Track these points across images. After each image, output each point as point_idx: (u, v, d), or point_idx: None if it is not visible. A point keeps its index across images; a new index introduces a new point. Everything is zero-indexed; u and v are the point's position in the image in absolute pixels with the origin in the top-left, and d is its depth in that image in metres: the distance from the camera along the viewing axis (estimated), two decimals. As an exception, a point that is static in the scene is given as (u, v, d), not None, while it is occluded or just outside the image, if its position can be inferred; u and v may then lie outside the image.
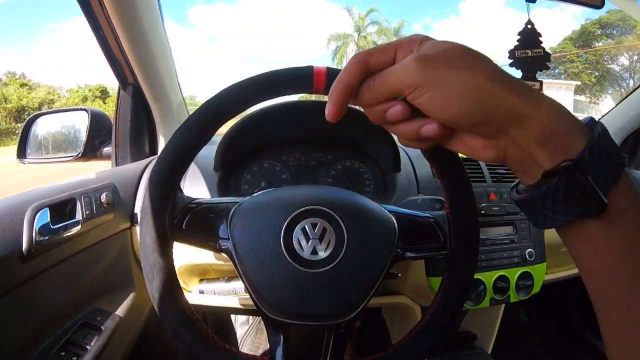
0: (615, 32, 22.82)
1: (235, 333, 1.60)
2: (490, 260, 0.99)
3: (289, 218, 0.53)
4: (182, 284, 1.02)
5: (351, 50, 28.12)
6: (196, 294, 1.04)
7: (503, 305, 1.26)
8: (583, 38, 23.30)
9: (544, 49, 1.10)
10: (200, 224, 0.56)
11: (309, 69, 0.52)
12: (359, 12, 29.62)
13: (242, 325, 1.62)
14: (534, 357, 1.75)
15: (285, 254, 0.51)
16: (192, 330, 0.53)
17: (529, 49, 1.10)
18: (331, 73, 0.53)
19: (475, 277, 0.93)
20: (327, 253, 0.52)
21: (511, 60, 1.13)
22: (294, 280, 0.51)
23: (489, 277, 0.98)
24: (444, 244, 0.59)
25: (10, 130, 27.74)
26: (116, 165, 1.07)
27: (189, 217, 0.55)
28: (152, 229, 0.52)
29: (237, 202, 0.57)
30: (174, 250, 0.91)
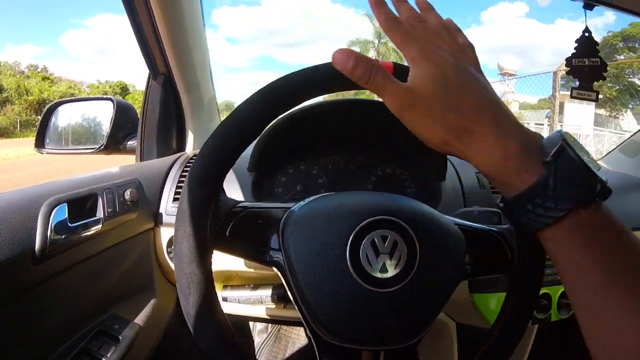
0: (638, 45, 22.54)
1: (253, 341, 1.54)
2: None
3: (357, 229, 0.45)
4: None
5: (371, 57, 28.15)
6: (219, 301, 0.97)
7: (536, 326, 1.18)
8: (604, 50, 23.03)
9: (601, 58, 1.08)
10: (246, 232, 0.50)
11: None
12: (381, 19, 29.60)
13: (260, 333, 1.55)
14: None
15: (352, 270, 0.44)
16: (233, 352, 0.46)
17: (586, 58, 1.07)
18: (398, 69, 0.45)
19: None
20: (397, 270, 0.45)
21: (568, 69, 1.09)
22: (360, 301, 0.44)
23: (531, 295, 0.91)
24: (511, 261, 0.53)
25: (31, 122, 28.24)
26: (141, 160, 1.00)
27: (234, 223, 0.49)
28: (192, 236, 0.45)
29: (288, 208, 0.51)
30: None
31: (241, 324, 1.55)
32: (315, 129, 0.91)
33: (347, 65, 0.40)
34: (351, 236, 0.45)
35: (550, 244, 0.38)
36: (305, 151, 0.96)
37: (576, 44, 1.08)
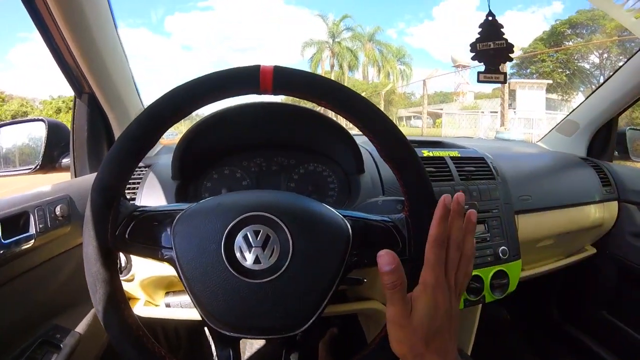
0: (584, 31, 23.28)
1: (209, 345, 1.56)
2: None
3: (230, 225, 0.51)
4: (147, 298, 1.00)
5: (326, 57, 28.26)
6: (163, 307, 1.01)
7: (480, 304, 1.23)
8: (553, 38, 23.71)
9: (506, 40, 1.07)
10: (143, 233, 0.53)
11: (255, 68, 0.50)
12: (334, 19, 29.85)
13: (216, 337, 1.57)
14: (515, 353, 1.75)
15: (227, 264, 0.49)
16: (137, 344, 0.50)
17: (491, 41, 1.09)
18: (279, 72, 0.51)
19: None
20: (272, 262, 0.50)
21: (473, 54, 1.11)
22: (237, 291, 0.49)
23: (461, 279, 0.95)
24: (404, 250, 0.56)
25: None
26: (75, 177, 1.03)
27: (132, 226, 0.53)
28: (94, 239, 0.50)
29: (182, 210, 0.55)
30: (133, 262, 0.88)
31: (197, 329, 1.57)
32: (235, 132, 0.94)
33: (385, 268, 0.47)
34: (225, 231, 0.50)
35: None
36: (228, 155, 0.99)
37: (480, 29, 1.10)
